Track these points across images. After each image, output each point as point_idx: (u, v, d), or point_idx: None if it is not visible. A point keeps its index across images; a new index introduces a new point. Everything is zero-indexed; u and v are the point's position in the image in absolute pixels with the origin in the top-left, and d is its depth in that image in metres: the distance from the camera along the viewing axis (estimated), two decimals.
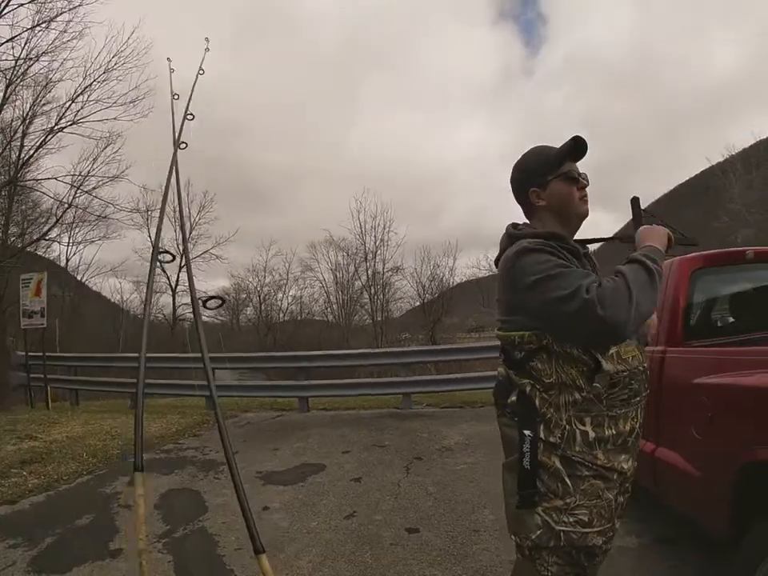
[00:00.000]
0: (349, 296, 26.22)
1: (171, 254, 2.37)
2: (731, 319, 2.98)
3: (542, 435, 1.18)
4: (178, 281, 23.77)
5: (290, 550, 2.85)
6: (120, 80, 10.44)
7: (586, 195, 1.34)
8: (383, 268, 25.29)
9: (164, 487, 4.02)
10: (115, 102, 10.36)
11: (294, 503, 3.59)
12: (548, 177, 1.31)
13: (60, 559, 2.82)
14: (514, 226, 1.36)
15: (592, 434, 1.18)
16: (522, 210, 1.40)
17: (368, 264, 25.40)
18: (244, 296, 28.29)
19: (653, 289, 1.12)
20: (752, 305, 3.07)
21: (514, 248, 1.22)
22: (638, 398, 1.25)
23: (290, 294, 27.84)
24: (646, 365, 1.30)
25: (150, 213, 19.19)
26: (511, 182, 1.41)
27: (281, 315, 27.61)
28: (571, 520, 1.17)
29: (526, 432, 1.19)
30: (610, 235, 1.77)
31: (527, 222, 1.38)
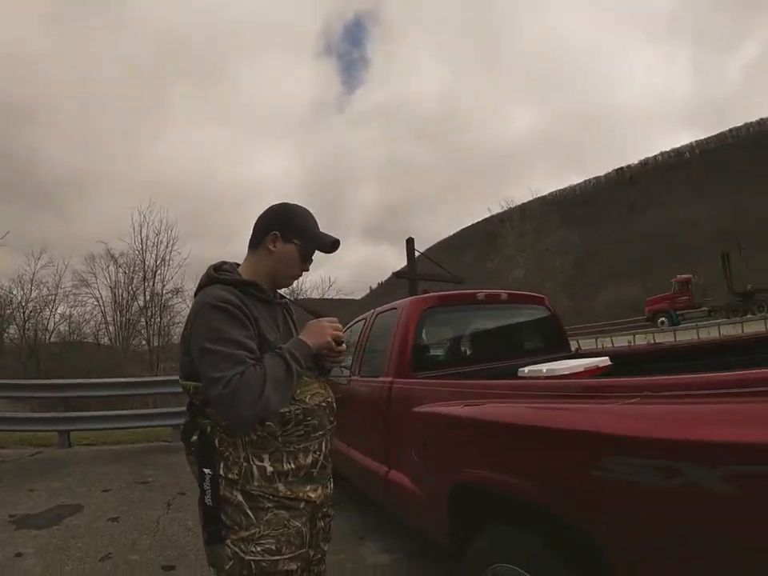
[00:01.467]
0: (127, 318, 23.05)
1: None
2: (456, 353, 3.21)
3: (221, 473, 1.24)
4: None
5: None
6: None
7: (299, 276, 1.49)
8: (162, 289, 22.95)
9: None
10: None
11: (48, 547, 3.44)
12: (295, 240, 1.39)
13: None
14: (217, 267, 1.38)
15: (270, 469, 1.25)
16: (250, 235, 1.45)
17: (146, 284, 22.78)
18: (9, 311, 22.94)
19: (286, 386, 1.23)
20: (477, 341, 3.36)
21: (205, 297, 1.26)
22: (320, 432, 1.34)
23: (58, 311, 23.37)
24: (330, 399, 1.40)
25: None
26: (265, 214, 1.44)
27: (47, 336, 22.93)
28: (259, 549, 1.22)
29: (206, 470, 1.24)
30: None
31: (239, 259, 1.46)
